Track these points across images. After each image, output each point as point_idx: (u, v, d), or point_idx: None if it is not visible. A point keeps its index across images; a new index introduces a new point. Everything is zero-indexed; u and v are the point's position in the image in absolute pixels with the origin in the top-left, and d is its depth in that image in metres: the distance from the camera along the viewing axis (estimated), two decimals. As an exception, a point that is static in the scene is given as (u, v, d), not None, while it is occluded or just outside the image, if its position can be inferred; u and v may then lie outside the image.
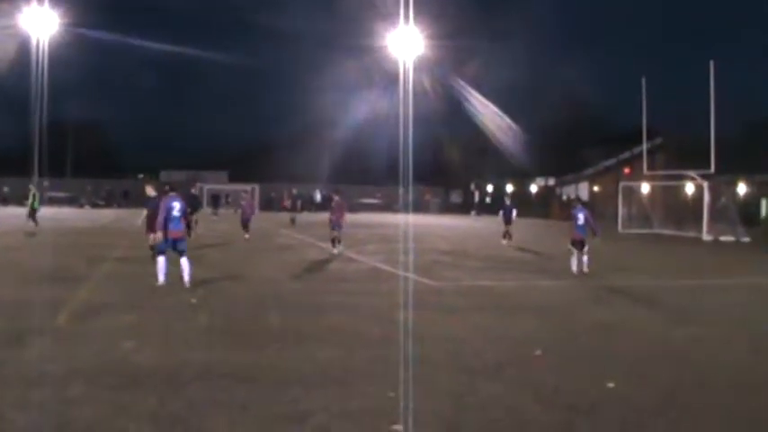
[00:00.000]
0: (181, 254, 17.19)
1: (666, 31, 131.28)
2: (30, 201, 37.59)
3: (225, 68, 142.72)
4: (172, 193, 17.64)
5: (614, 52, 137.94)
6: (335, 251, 27.15)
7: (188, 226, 17.95)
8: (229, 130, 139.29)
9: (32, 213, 36.98)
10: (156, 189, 21.67)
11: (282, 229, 43.53)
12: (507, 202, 36.92)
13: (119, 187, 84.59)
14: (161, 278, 17.01)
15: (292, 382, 9.08)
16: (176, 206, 17.14)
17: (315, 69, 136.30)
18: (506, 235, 34.73)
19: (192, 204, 36.26)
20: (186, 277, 17.02)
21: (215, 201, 67.96)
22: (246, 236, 34.15)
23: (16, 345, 10.90)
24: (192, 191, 38.52)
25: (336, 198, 29.21)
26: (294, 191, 55.73)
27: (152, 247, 21.44)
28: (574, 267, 21.98)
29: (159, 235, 19.82)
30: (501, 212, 36.01)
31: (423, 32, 64.39)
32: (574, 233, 22.36)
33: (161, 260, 17.11)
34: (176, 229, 17.19)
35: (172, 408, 7.99)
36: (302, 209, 52.49)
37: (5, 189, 78.30)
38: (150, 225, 21.29)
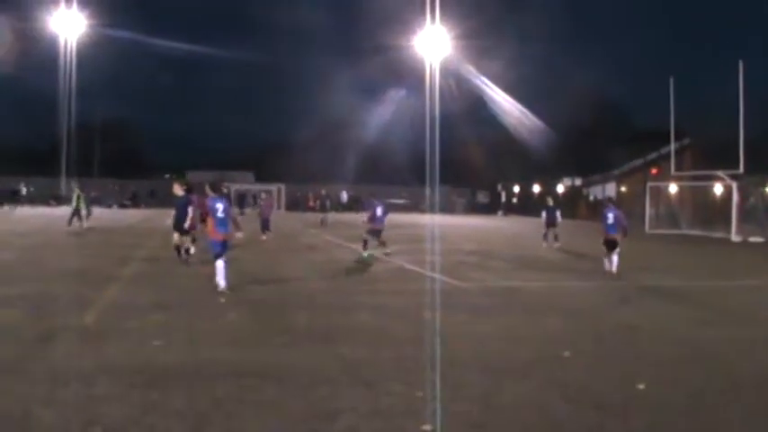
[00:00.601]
0: (218, 257, 16.52)
1: (695, 29, 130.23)
2: (74, 203, 37.99)
3: (251, 68, 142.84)
4: (213, 194, 17.15)
5: (642, 51, 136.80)
6: (365, 254, 26.58)
7: (237, 225, 17.58)
8: (256, 130, 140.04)
9: (76, 213, 37.41)
10: (184, 188, 21.73)
11: (311, 230, 43.49)
12: (550, 202, 35.75)
13: (145, 187, 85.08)
14: (222, 283, 16.35)
15: (320, 381, 9.09)
16: (220, 207, 16.64)
17: (341, 69, 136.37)
18: (547, 237, 33.56)
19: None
20: (222, 282, 16.48)
21: (241, 201, 68.25)
22: (263, 237, 33.86)
23: (44, 342, 10.98)
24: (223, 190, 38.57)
25: (375, 202, 28.63)
26: (323, 191, 55.40)
27: (176, 247, 21.58)
28: (607, 266, 22.11)
29: (176, 236, 20.01)
30: (544, 214, 34.80)
31: (448, 32, 64.44)
32: (605, 233, 22.37)
33: (220, 264, 16.42)
34: (225, 231, 16.70)
35: (200, 406, 8.02)
36: (330, 209, 51.97)
37: (23, 188, 78.72)
38: (177, 224, 21.48)
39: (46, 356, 10.16)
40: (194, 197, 22.09)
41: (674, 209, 54.02)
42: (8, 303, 14.25)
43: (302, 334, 12.14)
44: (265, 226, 34.97)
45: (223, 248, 16.56)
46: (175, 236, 21.46)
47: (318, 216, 50.34)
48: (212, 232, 16.64)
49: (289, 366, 9.89)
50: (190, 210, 21.19)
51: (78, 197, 38.04)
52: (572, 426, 7.80)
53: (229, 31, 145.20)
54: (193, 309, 14.31)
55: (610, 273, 21.73)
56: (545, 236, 33.71)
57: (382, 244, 26.96)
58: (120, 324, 12.62)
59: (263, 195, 38.36)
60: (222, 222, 16.59)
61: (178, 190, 21.56)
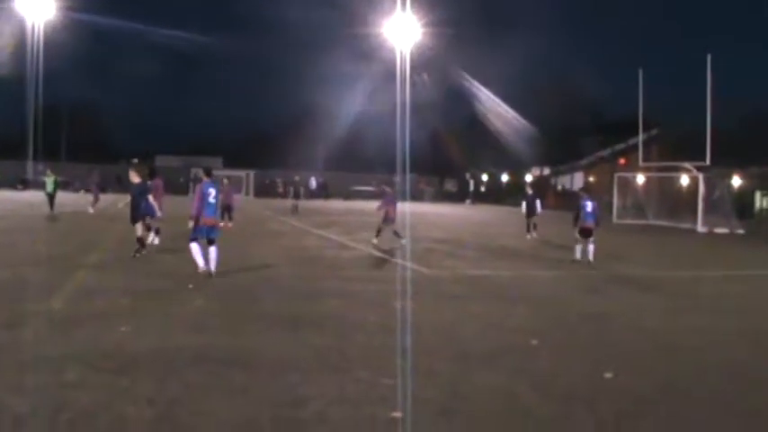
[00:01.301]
0: (211, 242, 16.60)
1: (664, 21, 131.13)
2: (49, 187, 37.88)
3: (221, 55, 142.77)
4: (206, 179, 16.96)
5: (611, 42, 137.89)
6: (375, 241, 26.27)
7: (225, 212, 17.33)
8: (225, 116, 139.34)
9: (51, 198, 37.36)
10: (141, 175, 21.23)
11: (281, 216, 43.31)
12: (530, 191, 35.02)
13: (112, 172, 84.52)
14: (201, 263, 16.42)
15: (289, 367, 9.08)
16: (212, 192, 16.63)
17: (311, 57, 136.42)
18: (530, 228, 32.71)
19: None
20: (213, 266, 16.52)
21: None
22: (229, 224, 32.43)
23: (12, 328, 10.88)
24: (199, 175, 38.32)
25: (388, 190, 28.26)
26: (297, 177, 54.69)
27: (139, 239, 20.53)
28: (578, 255, 22.28)
29: (138, 227, 19.67)
30: (523, 203, 34.18)
31: (420, 20, 64.41)
32: (583, 222, 22.48)
33: (194, 247, 16.50)
34: (212, 217, 16.76)
35: (169, 392, 7.99)
36: (300, 196, 50.74)
37: None
38: (134, 214, 20.84)
39: (13, 343, 10.07)
40: (158, 182, 21.97)
41: (641, 199, 54.37)
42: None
43: (271, 321, 12.10)
44: (227, 212, 32.85)
45: (209, 233, 16.62)
46: (138, 228, 20.60)
47: (288, 203, 49.89)
48: (203, 217, 16.54)
49: (257, 353, 9.87)
50: (150, 198, 20.91)
51: (55, 182, 37.94)
52: (540, 414, 7.84)
53: (201, 17, 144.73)
54: (161, 295, 14.24)
55: (580, 261, 21.97)
56: (528, 227, 32.89)
57: (396, 233, 26.71)
58: (88, 310, 12.53)
59: (225, 181, 35.78)
60: (211, 207, 16.64)
61: (135, 177, 20.98)
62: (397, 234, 26.37)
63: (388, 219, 26.61)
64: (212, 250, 16.59)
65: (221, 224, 27.74)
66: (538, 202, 33.77)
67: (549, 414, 7.84)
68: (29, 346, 9.80)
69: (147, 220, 21.37)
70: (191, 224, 16.73)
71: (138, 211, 20.69)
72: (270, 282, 16.67)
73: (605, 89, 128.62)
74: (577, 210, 22.96)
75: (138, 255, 19.83)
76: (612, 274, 20.08)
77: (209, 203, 16.58)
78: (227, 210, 32.55)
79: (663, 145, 58.16)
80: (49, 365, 8.84)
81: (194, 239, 16.58)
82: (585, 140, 74.98)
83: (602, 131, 73.61)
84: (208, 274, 16.34)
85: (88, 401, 7.61)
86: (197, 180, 50.48)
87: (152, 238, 22.17)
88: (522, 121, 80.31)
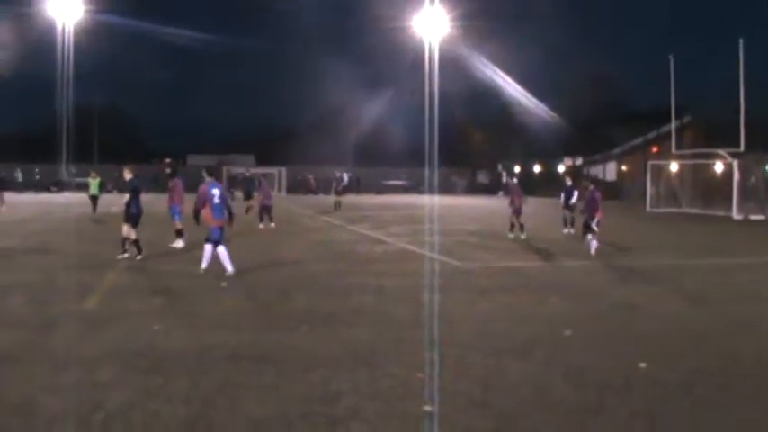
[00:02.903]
0: (217, 243, 16.35)
1: (695, 7, 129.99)
2: (93, 189, 38.15)
3: (251, 54, 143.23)
4: (209, 179, 16.69)
5: (641, 30, 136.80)
6: (512, 236, 26.43)
7: (230, 213, 16.85)
8: (255, 114, 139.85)
9: (94, 200, 37.62)
10: (134, 172, 19.85)
11: (313, 212, 43.12)
12: (568, 182, 31.98)
13: (148, 172, 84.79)
14: (229, 267, 16.25)
15: (322, 363, 9.11)
16: (216, 193, 16.36)
17: (340, 52, 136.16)
18: (567, 222, 30.22)
19: (247, 188, 35.67)
20: (205, 264, 16.43)
21: (232, 184, 67.65)
22: (261, 225, 31.13)
23: (46, 329, 11.01)
24: (246, 174, 37.82)
25: (514, 181, 27.74)
26: (337, 174, 53.78)
27: (127, 238, 19.45)
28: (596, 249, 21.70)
29: (125, 229, 19.15)
30: (562, 195, 31.26)
31: (448, 12, 64.23)
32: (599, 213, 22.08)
33: (222, 250, 16.31)
34: (221, 218, 16.41)
35: (203, 390, 8.03)
36: (341, 192, 48.73)
37: (19, 174, 78.76)
38: (126, 215, 19.45)
39: (48, 342, 10.19)
40: (177, 182, 21.85)
41: (675, 187, 53.89)
42: (10, 290, 14.27)
43: (303, 317, 12.13)
44: (267, 213, 31.15)
45: (221, 234, 16.44)
46: (125, 228, 19.44)
47: (328, 199, 49.08)
48: (209, 219, 16.37)
49: (289, 349, 9.90)
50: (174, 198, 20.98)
51: (100, 183, 38.22)
52: (573, 405, 7.81)
53: (229, 17, 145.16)
54: (193, 294, 14.34)
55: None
56: (565, 221, 30.43)
57: (520, 226, 27.01)
58: (121, 309, 12.64)
59: (262, 180, 33.98)
60: (218, 208, 16.36)
61: (128, 174, 19.74)
62: (518, 227, 27.01)
63: (518, 210, 27.01)
64: (207, 248, 16.44)
65: (261, 226, 27.66)
66: (576, 194, 30.52)
67: (582, 405, 7.80)
68: (63, 346, 9.90)
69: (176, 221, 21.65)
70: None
71: (129, 210, 19.35)
72: (302, 278, 16.71)
73: (636, 77, 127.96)
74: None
75: (129, 256, 19.23)
76: (645, 264, 19.93)
77: (216, 204, 16.30)
78: (266, 210, 31.09)
79: (695, 132, 57.58)
80: (84, 365, 8.94)
81: (217, 242, 16.37)
82: (617, 129, 74.33)
83: (634, 120, 72.96)
84: (198, 273, 16.27)
85: (122, 400, 7.67)
86: (230, 179, 50.41)
87: (179, 243, 22.04)
88: (554, 112, 79.96)
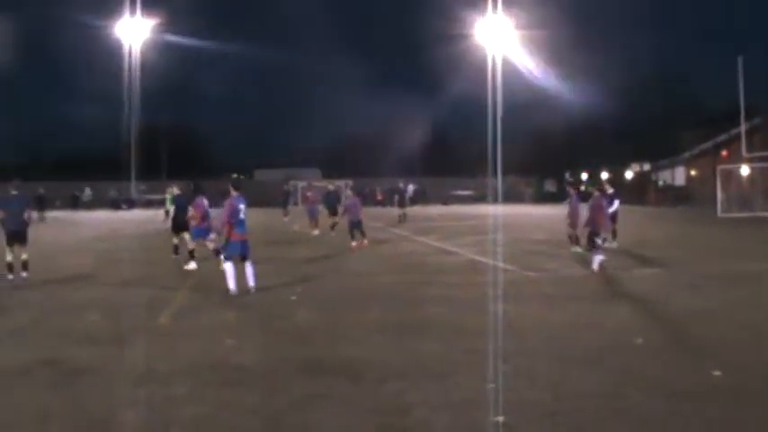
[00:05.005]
0: (244, 259, 16.15)
1: (762, 7, 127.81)
2: (169, 203, 38.73)
3: (314, 66, 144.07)
4: (235, 194, 16.37)
5: (708, 31, 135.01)
6: (578, 249, 24.21)
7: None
8: (322, 127, 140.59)
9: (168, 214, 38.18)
10: (181, 189, 22.16)
11: (382, 224, 43.02)
12: (610, 190, 27.72)
13: (213, 187, 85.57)
14: (232, 286, 15.85)
15: (393, 375, 9.17)
16: (242, 207, 16.22)
17: (404, 62, 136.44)
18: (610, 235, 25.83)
19: (331, 203, 35.49)
20: (252, 282, 16.07)
21: (286, 198, 67.57)
22: (315, 231, 32.99)
23: (122, 344, 11.26)
24: (330, 188, 37.49)
25: (571, 192, 25.47)
26: (401, 184, 53.49)
27: (176, 248, 22.22)
28: (600, 264, 19.53)
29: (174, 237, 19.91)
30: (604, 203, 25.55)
31: (512, 20, 64.03)
32: (605, 222, 20.53)
33: (229, 267, 15.97)
34: (243, 233, 16.21)
35: (275, 404, 8.15)
36: (405, 204, 47.64)
37: (88, 192, 80.00)
38: (175, 224, 22.10)
39: (123, 357, 10.42)
40: (200, 201, 21.47)
41: (747, 191, 52.94)
42: (86, 307, 14.60)
43: (374, 329, 12.22)
44: (357, 227, 28.13)
45: (242, 249, 16.15)
46: (186, 236, 21.52)
47: (394, 211, 48.70)
48: (231, 233, 16.08)
49: (361, 361, 9.98)
50: (190, 209, 21.18)
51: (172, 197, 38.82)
52: (645, 414, 7.76)
53: (294, 33, 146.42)
54: (264, 307, 14.52)
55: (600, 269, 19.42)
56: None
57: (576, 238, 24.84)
58: (194, 324, 12.87)
59: (349, 193, 31.39)
60: (242, 223, 16.16)
61: (174, 190, 22.30)
62: (579, 242, 24.37)
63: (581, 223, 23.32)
64: (248, 266, 16.13)
65: (354, 243, 27.34)
66: (616, 203, 27.50)
67: (655, 414, 7.75)
68: (138, 361, 10.11)
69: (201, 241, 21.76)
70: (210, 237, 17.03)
71: (175, 221, 22.12)
72: (372, 290, 16.80)
73: (705, 80, 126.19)
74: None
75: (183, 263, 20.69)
76: (715, 270, 19.63)
77: (241, 220, 16.10)
78: (357, 227, 28.11)
79: (767, 134, 56.58)
80: (159, 379, 9.14)
81: (229, 258, 16.14)
82: (685, 133, 73.29)
83: (703, 123, 71.89)
84: (246, 291, 15.89)
85: (197, 414, 7.82)
86: (287, 192, 50.58)
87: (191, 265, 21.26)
88: (621, 118, 79.19)
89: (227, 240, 16.20)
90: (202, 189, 22.23)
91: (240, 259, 16.11)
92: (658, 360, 9.94)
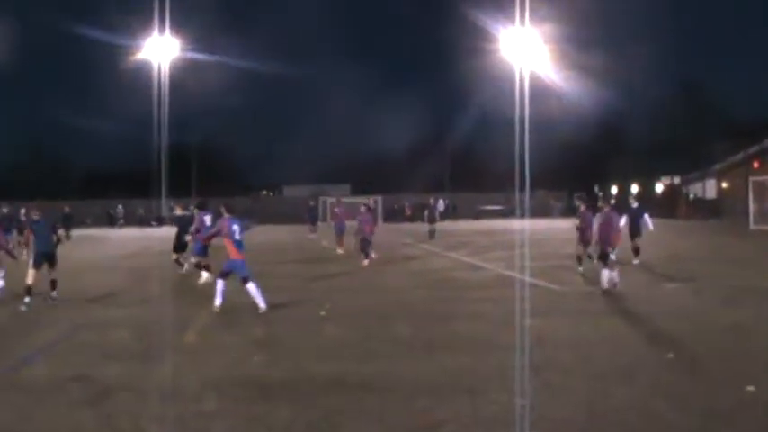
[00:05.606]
0: (245, 281, 16.00)
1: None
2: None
3: (341, 82, 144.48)
4: (228, 216, 16.50)
5: (737, 42, 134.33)
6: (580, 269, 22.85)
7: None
8: (350, 144, 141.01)
9: None
10: (183, 209, 22.65)
11: (411, 240, 42.92)
12: (634, 204, 26.92)
13: (242, 204, 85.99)
14: (218, 302, 15.98)
15: (423, 391, 9.14)
16: (236, 229, 16.18)
17: (430, 76, 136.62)
18: (635, 251, 25.36)
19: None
20: (261, 302, 15.80)
21: (312, 213, 67.35)
22: (340, 251, 31.67)
23: (151, 361, 11.30)
24: (371, 204, 36.90)
25: (582, 208, 23.87)
26: (431, 200, 52.87)
27: (178, 261, 23.22)
28: (610, 282, 18.35)
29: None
30: (624, 218, 23.96)
31: (539, 33, 63.90)
32: (617, 238, 19.03)
33: (221, 283, 16.05)
34: (243, 252, 16.21)
35: (305, 419, 8.14)
36: (435, 219, 46.89)
37: (120, 210, 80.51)
38: (176, 244, 23.15)
39: (152, 374, 10.45)
40: (201, 217, 21.63)
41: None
42: (116, 324, 14.69)
43: (403, 344, 12.21)
44: (339, 236, 31.46)
45: (242, 270, 16.10)
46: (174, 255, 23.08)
47: (424, 227, 48.37)
48: (234, 253, 16.10)
49: (391, 377, 9.96)
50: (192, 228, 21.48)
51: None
52: (679, 430, 7.68)
53: (321, 50, 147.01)
54: (292, 323, 14.55)
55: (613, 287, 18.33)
56: (636, 250, 25.53)
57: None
58: (221, 341, 12.90)
59: (362, 209, 30.10)
60: (241, 243, 16.19)
61: (179, 210, 23.32)
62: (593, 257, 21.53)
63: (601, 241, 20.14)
64: (251, 287, 15.96)
65: (365, 262, 27.05)
66: (646, 218, 25.94)
67: (689, 430, 7.66)
68: (167, 377, 10.14)
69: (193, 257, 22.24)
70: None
71: (177, 241, 23.17)
72: (402, 305, 16.77)
73: (734, 91, 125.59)
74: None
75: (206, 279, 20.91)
76: (748, 284, 19.40)
77: (237, 240, 16.04)
78: (369, 245, 27.91)
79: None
80: (188, 395, 9.16)
81: (224, 275, 16.17)
82: (716, 145, 72.82)
83: (733, 135, 71.39)
84: (259, 310, 15.64)
85: (225, 430, 7.82)
86: (313, 208, 50.53)
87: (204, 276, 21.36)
88: (650, 131, 78.89)
89: (229, 258, 16.25)
90: (207, 206, 22.56)
91: (242, 281, 16.09)
92: (691, 375, 9.85)
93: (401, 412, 8.35)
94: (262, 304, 15.77)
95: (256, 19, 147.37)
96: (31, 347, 12.62)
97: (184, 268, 22.87)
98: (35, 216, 18.40)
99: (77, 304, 17.48)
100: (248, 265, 16.37)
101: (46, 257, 17.65)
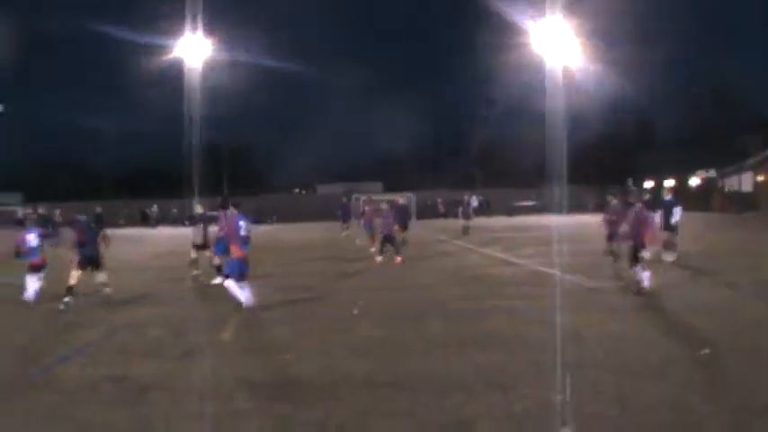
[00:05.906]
0: (242, 278, 16.12)
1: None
2: None
3: (373, 83, 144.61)
4: (234, 211, 16.68)
5: (765, 37, 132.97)
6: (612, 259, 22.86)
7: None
8: (384, 141, 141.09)
9: None
10: (205, 208, 24.15)
11: (445, 236, 42.87)
12: (667, 197, 25.14)
13: (272, 203, 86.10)
14: (243, 298, 15.96)
15: (455, 387, 9.15)
16: (243, 225, 16.23)
17: (461, 72, 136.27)
18: (666, 244, 23.80)
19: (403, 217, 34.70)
20: (245, 300, 15.94)
21: (345, 211, 67.34)
22: (372, 249, 30.29)
23: (185, 359, 11.40)
24: (402, 201, 36.43)
25: (614, 201, 23.66)
26: (465, 197, 52.44)
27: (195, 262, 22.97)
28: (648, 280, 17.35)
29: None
30: (659, 213, 23.47)
31: (571, 27, 63.59)
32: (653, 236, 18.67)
33: (232, 284, 16.03)
34: (246, 250, 16.28)
35: (337, 417, 8.17)
36: (470, 216, 46.49)
37: (155, 209, 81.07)
38: (197, 242, 23.47)
39: (187, 373, 10.53)
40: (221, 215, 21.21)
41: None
42: (151, 323, 14.81)
43: (435, 341, 12.19)
44: (390, 242, 27.41)
45: (241, 267, 16.15)
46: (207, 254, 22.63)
47: (458, 223, 48.15)
48: (237, 250, 16.20)
49: (422, 374, 9.97)
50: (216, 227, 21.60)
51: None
52: (714, 427, 7.64)
53: (352, 48, 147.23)
54: (324, 321, 14.57)
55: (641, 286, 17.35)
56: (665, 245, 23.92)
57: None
58: (255, 339, 12.97)
59: (384, 205, 30.10)
60: (245, 240, 16.24)
61: (198, 209, 23.82)
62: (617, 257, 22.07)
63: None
64: (229, 284, 16.06)
65: (379, 258, 26.87)
66: (678, 211, 24.39)
67: (723, 427, 7.62)
68: (201, 376, 10.23)
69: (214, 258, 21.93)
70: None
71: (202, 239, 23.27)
72: (434, 302, 16.72)
73: (764, 85, 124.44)
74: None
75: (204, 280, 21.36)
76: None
77: (242, 236, 16.12)
78: (390, 241, 27.49)
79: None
80: (221, 394, 9.21)
81: (229, 276, 16.21)
82: (751, 138, 72.15)
83: (762, 128, 70.67)
84: (250, 306, 15.86)
85: (258, 428, 7.87)
86: (344, 205, 50.45)
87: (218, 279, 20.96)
88: (684, 125, 78.31)
89: (230, 257, 16.44)
90: (229, 204, 22.26)
91: (224, 276, 16.31)
92: (726, 371, 9.77)
93: (432, 409, 8.35)
94: (243, 299, 15.92)
95: (289, 19, 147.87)
96: (69, 347, 12.73)
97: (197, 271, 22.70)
98: (79, 217, 18.53)
99: (113, 303, 17.58)
100: (248, 263, 16.52)
101: (91, 260, 17.70)
